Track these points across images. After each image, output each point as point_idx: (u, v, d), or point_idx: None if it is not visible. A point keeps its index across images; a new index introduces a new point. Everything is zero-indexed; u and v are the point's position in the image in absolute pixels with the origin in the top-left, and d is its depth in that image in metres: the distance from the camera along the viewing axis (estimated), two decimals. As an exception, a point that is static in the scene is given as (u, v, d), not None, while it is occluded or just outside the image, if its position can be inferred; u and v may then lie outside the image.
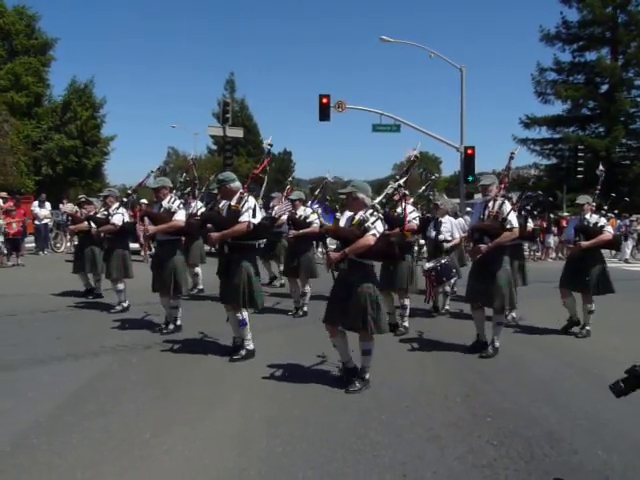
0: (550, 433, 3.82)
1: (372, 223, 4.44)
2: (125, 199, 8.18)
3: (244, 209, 5.30)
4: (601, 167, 7.37)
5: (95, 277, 8.96)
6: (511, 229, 5.63)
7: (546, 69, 33.93)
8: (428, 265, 7.09)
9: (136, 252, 14.33)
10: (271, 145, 6.10)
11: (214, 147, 45.00)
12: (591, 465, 3.38)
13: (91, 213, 8.83)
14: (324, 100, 20.17)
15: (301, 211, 7.91)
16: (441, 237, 7.86)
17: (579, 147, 24.23)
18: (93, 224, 8.22)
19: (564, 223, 16.29)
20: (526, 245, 16.95)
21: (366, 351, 4.66)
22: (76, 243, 9.98)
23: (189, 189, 9.12)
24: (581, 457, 3.48)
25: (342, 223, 4.83)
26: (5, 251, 13.40)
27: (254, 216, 5.33)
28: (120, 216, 7.85)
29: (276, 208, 9.01)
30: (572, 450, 3.58)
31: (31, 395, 4.39)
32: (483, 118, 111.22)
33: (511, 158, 6.12)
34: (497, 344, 5.82)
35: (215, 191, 9.35)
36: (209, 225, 5.81)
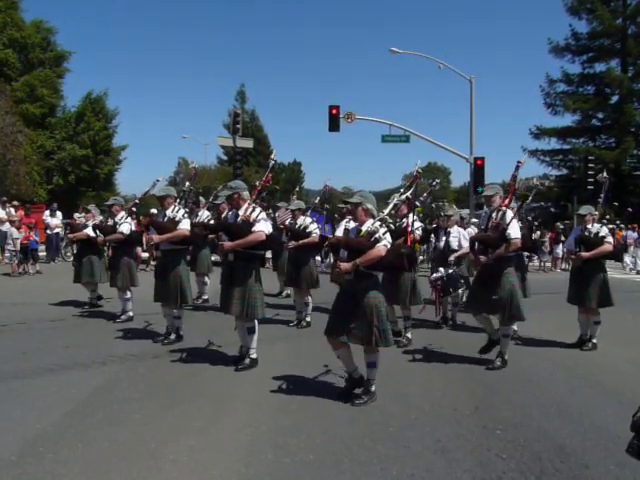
0: (561, 447, 3.76)
1: (382, 234, 4.44)
2: (134, 208, 8.23)
3: (258, 219, 5.34)
4: (604, 174, 7.28)
5: (91, 286, 8.96)
6: (511, 240, 5.54)
7: (555, 80, 33.93)
8: (434, 275, 7.04)
9: (145, 261, 14.42)
10: (275, 160, 6.13)
11: (224, 157, 45.23)
12: (603, 480, 3.32)
13: (90, 221, 8.89)
14: (334, 111, 20.27)
15: (300, 221, 7.91)
16: (453, 246, 7.82)
17: (589, 158, 24.11)
18: (100, 233, 8.28)
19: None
20: (536, 256, 16.90)
21: (371, 364, 4.60)
22: (75, 252, 9.96)
23: (194, 198, 9.17)
24: (593, 472, 3.42)
25: (340, 232, 4.82)
26: (17, 260, 13.53)
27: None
28: (127, 225, 7.90)
29: (278, 218, 9.05)
30: (583, 465, 3.51)
31: (39, 404, 4.41)
32: (493, 129, 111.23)
33: (517, 167, 6.06)
34: (505, 357, 5.76)
35: (218, 201, 9.48)
36: (211, 235, 5.84)
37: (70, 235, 9.76)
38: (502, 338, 5.78)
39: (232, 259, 5.41)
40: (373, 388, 4.62)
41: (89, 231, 8.72)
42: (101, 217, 8.96)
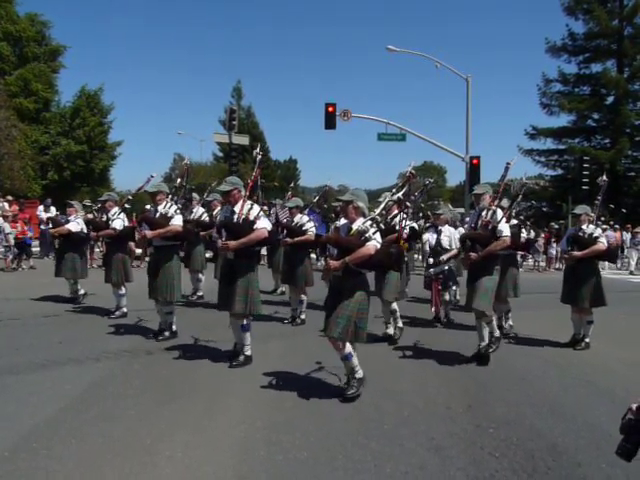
0: (553, 445, 3.79)
1: (372, 234, 4.44)
2: (127, 205, 8.17)
3: (258, 216, 5.36)
4: (604, 177, 7.31)
5: (73, 282, 8.90)
6: (501, 238, 5.60)
7: (551, 80, 33.95)
8: (435, 270, 7.04)
9: (138, 257, 14.38)
10: (261, 154, 6.14)
11: (220, 154, 45.09)
12: (594, 479, 3.34)
13: (72, 216, 8.85)
14: (330, 109, 20.24)
15: (297, 218, 7.91)
16: (445, 244, 7.82)
17: (584, 158, 24.20)
18: (92, 228, 8.26)
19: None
20: (530, 256, 16.97)
21: (346, 356, 4.55)
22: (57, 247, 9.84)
23: (187, 195, 9.15)
24: (584, 470, 3.45)
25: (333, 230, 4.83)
26: (11, 256, 13.47)
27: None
28: (120, 221, 7.87)
29: (279, 215, 9.05)
30: (575, 463, 3.54)
31: (32, 400, 4.39)
32: (489, 128, 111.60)
33: (507, 168, 6.12)
34: (497, 333, 5.89)
35: (210, 198, 9.47)
36: (203, 232, 5.79)
37: (52, 230, 9.68)
38: (482, 329, 5.82)
39: (232, 257, 5.41)
40: (359, 375, 4.60)
41: (71, 226, 8.69)
42: (82, 212, 8.94)
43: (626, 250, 19.69)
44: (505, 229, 5.66)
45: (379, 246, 4.46)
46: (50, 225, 11.22)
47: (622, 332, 7.92)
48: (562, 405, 4.64)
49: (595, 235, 6.62)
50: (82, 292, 8.97)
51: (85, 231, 8.70)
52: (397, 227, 6.14)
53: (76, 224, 8.69)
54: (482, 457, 3.57)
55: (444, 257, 7.68)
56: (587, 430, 4.07)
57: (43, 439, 3.65)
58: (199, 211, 9.39)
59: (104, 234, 7.97)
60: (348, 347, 4.55)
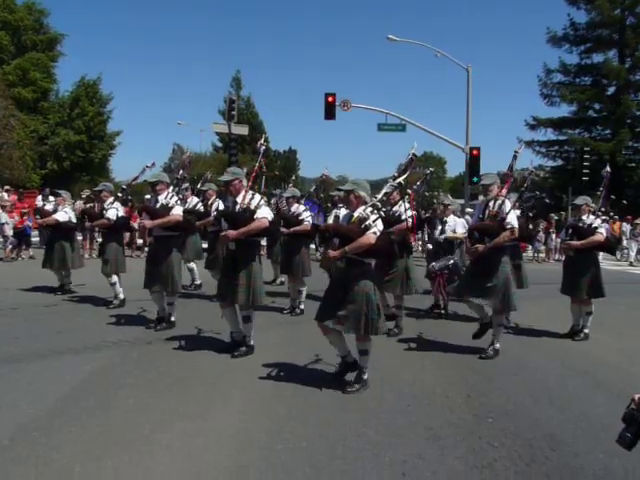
0: (551, 435, 3.80)
1: (373, 221, 4.38)
2: (120, 194, 8.14)
3: (259, 206, 5.32)
4: (607, 169, 7.25)
5: (65, 272, 8.88)
6: (510, 229, 5.55)
7: (553, 71, 33.81)
8: (439, 264, 6.98)
9: (139, 248, 14.37)
10: (265, 145, 6.10)
11: (219, 144, 44.94)
12: (592, 469, 3.35)
13: (60, 206, 8.83)
14: (330, 99, 20.13)
15: (294, 208, 7.88)
16: (444, 235, 7.78)
17: (585, 149, 24.14)
18: (87, 218, 8.23)
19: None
20: (530, 247, 16.94)
21: (363, 351, 4.58)
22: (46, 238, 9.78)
23: (186, 185, 9.12)
24: (582, 460, 3.46)
25: (332, 220, 4.79)
26: (10, 246, 13.45)
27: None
28: (114, 211, 7.82)
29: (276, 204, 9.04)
30: (573, 453, 3.55)
31: (32, 389, 4.40)
32: (489, 119, 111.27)
33: (515, 157, 6.02)
34: (497, 346, 5.77)
35: (204, 187, 9.43)
36: (198, 222, 5.71)
37: (39, 221, 9.60)
38: (495, 327, 5.79)
39: (233, 247, 5.38)
40: (365, 376, 4.62)
41: (58, 216, 8.65)
42: (71, 201, 8.91)
43: (626, 241, 19.68)
44: (513, 220, 5.58)
45: (379, 234, 4.40)
46: (38, 216, 11.16)
47: (621, 323, 7.93)
48: (560, 395, 4.65)
49: (594, 226, 6.60)
50: (71, 287, 8.88)
51: (74, 220, 8.65)
52: (401, 217, 6.08)
53: (64, 213, 8.65)
54: (480, 446, 3.59)
55: (443, 236, 7.58)
56: (585, 420, 4.08)
57: (42, 428, 3.66)
58: (193, 201, 9.34)
59: (98, 224, 7.96)
60: (368, 343, 4.55)
